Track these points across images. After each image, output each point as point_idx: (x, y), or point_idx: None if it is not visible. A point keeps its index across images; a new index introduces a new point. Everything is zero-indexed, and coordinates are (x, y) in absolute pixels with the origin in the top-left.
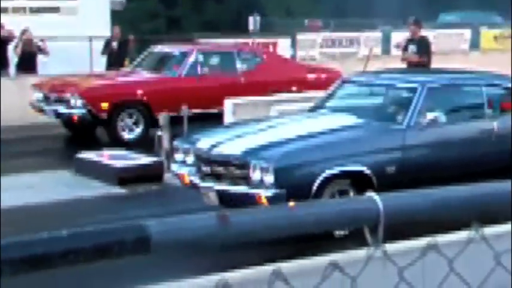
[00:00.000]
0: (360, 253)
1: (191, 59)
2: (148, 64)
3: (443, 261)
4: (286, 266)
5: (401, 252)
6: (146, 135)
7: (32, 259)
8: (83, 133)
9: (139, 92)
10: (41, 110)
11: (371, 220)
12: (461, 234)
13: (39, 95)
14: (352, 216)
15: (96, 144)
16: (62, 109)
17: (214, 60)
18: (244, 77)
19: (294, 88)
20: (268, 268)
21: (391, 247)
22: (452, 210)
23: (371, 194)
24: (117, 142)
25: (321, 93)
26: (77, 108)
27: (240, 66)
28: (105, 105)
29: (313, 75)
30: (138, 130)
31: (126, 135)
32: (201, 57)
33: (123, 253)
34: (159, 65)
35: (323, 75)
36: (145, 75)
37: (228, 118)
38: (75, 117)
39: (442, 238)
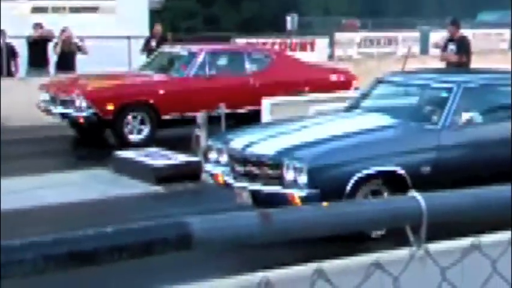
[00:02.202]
0: (402, 253)
1: (199, 60)
2: (156, 65)
3: (484, 261)
4: (328, 265)
5: (443, 252)
6: (153, 137)
7: (77, 255)
8: (91, 134)
9: (146, 93)
10: (48, 111)
11: (413, 219)
12: (504, 235)
13: (46, 96)
14: (394, 216)
15: (103, 146)
16: (67, 110)
17: (223, 61)
18: (254, 78)
19: (306, 89)
20: (311, 266)
21: (432, 247)
22: (496, 209)
23: (413, 193)
24: (123, 144)
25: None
26: (82, 109)
27: (249, 67)
28: (110, 106)
29: (325, 76)
30: (145, 132)
31: (133, 137)
32: (209, 58)
33: (165, 250)
34: (167, 66)
35: (335, 76)
36: (152, 76)
37: (265, 117)
38: (81, 119)
39: (484, 238)
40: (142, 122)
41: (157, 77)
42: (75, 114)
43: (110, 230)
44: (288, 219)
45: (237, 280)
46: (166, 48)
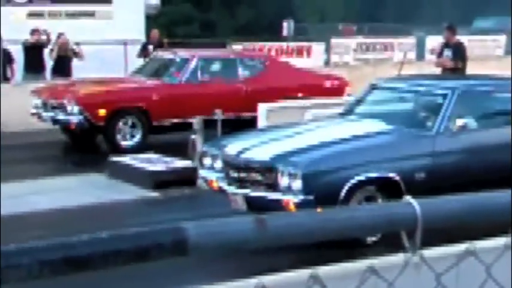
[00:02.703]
0: (397, 258)
1: (192, 66)
2: (149, 70)
3: (479, 266)
4: (324, 270)
5: (438, 257)
6: (145, 143)
7: (72, 261)
8: (83, 140)
9: (138, 98)
10: (40, 117)
11: (408, 225)
12: (499, 241)
13: (37, 102)
14: (389, 221)
15: (96, 151)
16: (59, 116)
17: (216, 67)
18: (246, 84)
19: (299, 95)
20: (306, 272)
21: (427, 252)
22: (491, 215)
23: (408, 199)
24: (115, 149)
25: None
26: (73, 115)
27: (242, 72)
28: (102, 112)
29: (318, 81)
30: (136, 137)
31: (124, 143)
32: (202, 64)
33: (161, 256)
34: (159, 72)
35: (328, 82)
36: (144, 81)
37: (261, 123)
38: (72, 124)
39: (479, 244)
40: (134, 128)
41: (150, 82)
42: (66, 119)
43: (105, 236)
44: (283, 225)
45: (231, 285)
46: (159, 54)
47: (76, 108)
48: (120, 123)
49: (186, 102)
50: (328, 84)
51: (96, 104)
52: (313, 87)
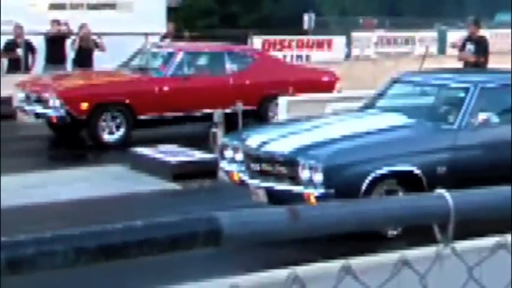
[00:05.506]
0: (428, 251)
1: (177, 60)
2: (134, 64)
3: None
4: (355, 262)
5: (470, 250)
6: (129, 137)
7: (107, 249)
8: (67, 134)
9: (122, 92)
10: (23, 110)
11: (441, 217)
12: None
13: (21, 95)
14: (421, 213)
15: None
16: (41, 109)
17: (202, 61)
18: (234, 78)
19: (290, 90)
20: (338, 263)
21: (458, 245)
22: None
23: (441, 191)
24: (98, 144)
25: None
26: (55, 108)
27: (229, 67)
28: (84, 106)
29: (308, 76)
30: (120, 132)
31: (108, 137)
32: (188, 58)
33: (194, 245)
34: (145, 65)
35: (318, 77)
36: (128, 75)
37: (282, 115)
38: (54, 118)
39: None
40: (117, 122)
41: (134, 76)
42: (48, 113)
43: (140, 224)
44: (316, 216)
45: (264, 276)
46: (146, 47)
47: (58, 102)
48: (103, 118)
49: (171, 96)
50: (318, 78)
51: (78, 98)
52: (303, 82)
